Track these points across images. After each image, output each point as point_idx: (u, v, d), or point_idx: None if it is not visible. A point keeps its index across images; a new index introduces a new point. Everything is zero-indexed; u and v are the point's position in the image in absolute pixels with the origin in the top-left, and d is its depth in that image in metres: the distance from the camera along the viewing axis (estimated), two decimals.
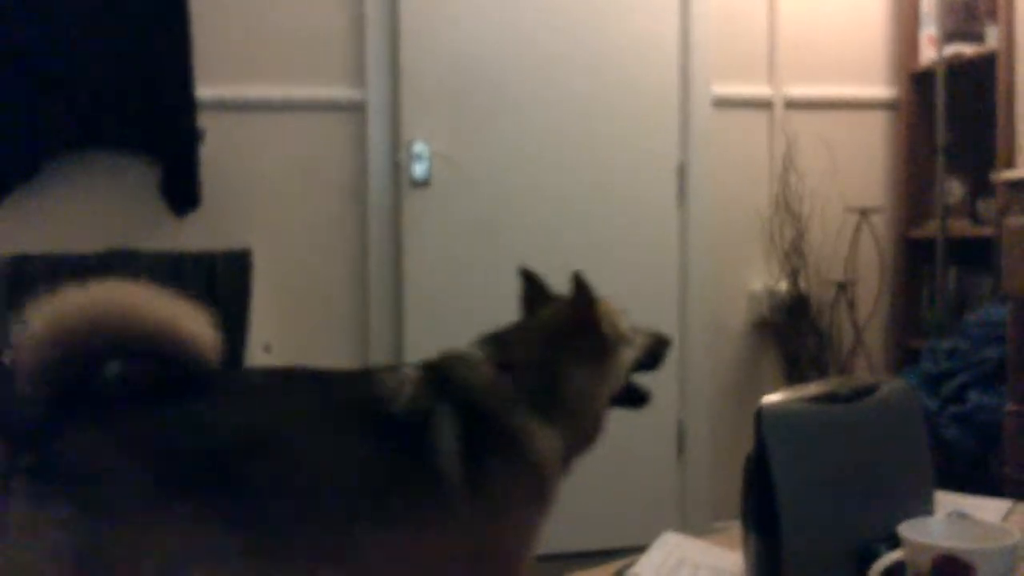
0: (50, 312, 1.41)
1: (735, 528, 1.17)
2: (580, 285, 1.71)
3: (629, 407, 1.78)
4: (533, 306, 1.84)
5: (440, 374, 1.64)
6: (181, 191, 3.24)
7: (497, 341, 1.74)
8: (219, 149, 3.30)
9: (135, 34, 3.15)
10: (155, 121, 3.19)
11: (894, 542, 1.03)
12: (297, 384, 1.61)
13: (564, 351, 1.70)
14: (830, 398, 1.17)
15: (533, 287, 1.86)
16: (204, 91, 3.26)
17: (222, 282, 3.18)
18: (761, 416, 1.11)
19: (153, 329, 1.45)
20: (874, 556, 1.05)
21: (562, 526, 2.43)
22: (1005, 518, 1.36)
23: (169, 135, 3.21)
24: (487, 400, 1.61)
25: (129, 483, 1.39)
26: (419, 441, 1.52)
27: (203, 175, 3.26)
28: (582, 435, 1.69)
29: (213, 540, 1.41)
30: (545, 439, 1.61)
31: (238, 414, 1.49)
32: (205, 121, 3.26)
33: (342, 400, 1.56)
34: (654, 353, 1.83)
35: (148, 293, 1.48)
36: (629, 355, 1.77)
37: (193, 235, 3.27)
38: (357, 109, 3.43)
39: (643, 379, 1.78)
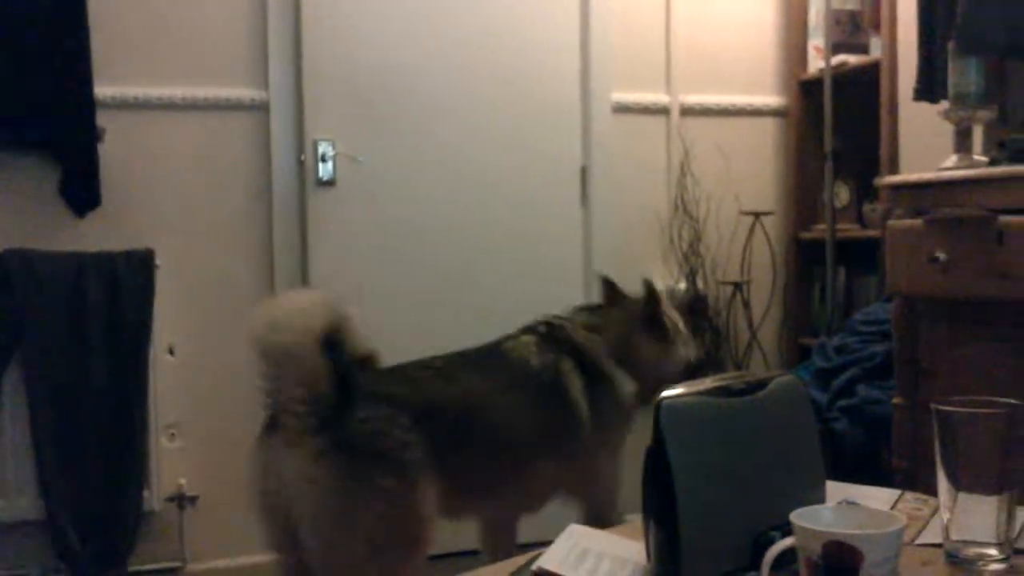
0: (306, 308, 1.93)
1: (639, 521, 1.20)
2: (649, 287, 2.48)
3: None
4: (611, 302, 2.54)
5: (551, 335, 2.31)
6: (81, 191, 3.17)
7: (587, 312, 2.49)
8: (121, 149, 3.24)
9: (32, 32, 3.07)
10: (54, 120, 3.12)
11: (788, 529, 1.07)
12: (472, 360, 2.23)
13: (637, 329, 2.43)
14: (724, 392, 1.19)
15: (610, 288, 2.57)
16: (104, 90, 3.20)
17: (124, 283, 3.12)
18: (659, 409, 1.14)
19: (348, 325, 1.93)
20: (768, 543, 1.07)
21: (472, 524, 2.46)
22: (893, 506, 1.39)
23: (68, 134, 3.13)
24: (592, 355, 2.32)
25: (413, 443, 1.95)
26: (558, 389, 2.23)
27: (104, 175, 3.20)
28: (646, 389, 2.36)
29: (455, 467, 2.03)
30: (628, 385, 2.36)
31: (463, 387, 2.13)
32: (105, 120, 3.20)
33: (503, 366, 2.22)
34: (701, 359, 2.59)
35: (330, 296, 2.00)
36: (683, 353, 2.49)
37: (94, 236, 3.20)
38: (260, 109, 3.40)
39: None
